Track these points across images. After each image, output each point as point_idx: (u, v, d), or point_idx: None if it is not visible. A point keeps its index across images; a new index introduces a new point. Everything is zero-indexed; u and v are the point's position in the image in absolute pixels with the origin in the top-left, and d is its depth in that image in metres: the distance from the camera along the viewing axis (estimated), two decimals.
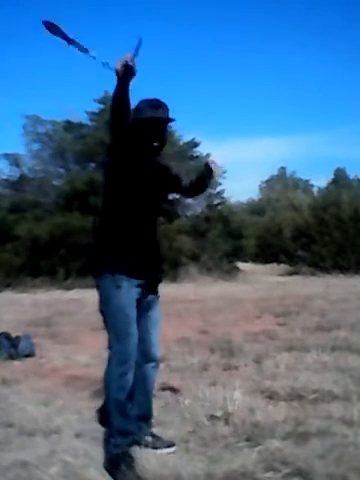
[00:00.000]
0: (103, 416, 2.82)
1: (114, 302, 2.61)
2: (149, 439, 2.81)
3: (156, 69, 67.32)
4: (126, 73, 2.31)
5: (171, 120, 2.77)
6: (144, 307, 2.73)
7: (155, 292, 2.80)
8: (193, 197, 3.19)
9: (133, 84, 2.38)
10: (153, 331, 2.78)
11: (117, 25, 76.17)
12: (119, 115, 2.45)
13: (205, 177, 2.90)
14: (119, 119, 2.46)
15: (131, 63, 2.29)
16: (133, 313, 2.64)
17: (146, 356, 2.76)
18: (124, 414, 2.61)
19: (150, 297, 2.76)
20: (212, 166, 2.82)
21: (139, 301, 2.69)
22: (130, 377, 2.61)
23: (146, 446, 2.76)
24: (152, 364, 2.80)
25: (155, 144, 2.69)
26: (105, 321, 2.69)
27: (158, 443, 2.80)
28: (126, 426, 2.62)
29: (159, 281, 2.83)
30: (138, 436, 2.77)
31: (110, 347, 2.65)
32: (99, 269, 2.68)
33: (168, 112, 2.75)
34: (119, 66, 2.30)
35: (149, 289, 2.74)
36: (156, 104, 2.72)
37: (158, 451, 2.73)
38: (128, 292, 2.61)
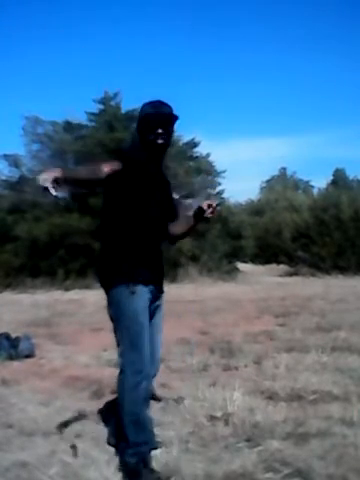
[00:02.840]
0: (116, 431, 2.69)
1: (129, 309, 2.56)
2: None
3: (156, 69, 67.55)
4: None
5: (171, 115, 2.68)
6: (151, 314, 2.69)
7: (160, 299, 2.77)
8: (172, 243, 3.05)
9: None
10: (157, 337, 2.75)
11: (117, 25, 76.34)
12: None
13: (196, 224, 2.76)
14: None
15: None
16: (146, 321, 2.59)
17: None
18: (139, 426, 2.55)
19: (156, 303, 2.73)
20: (207, 213, 2.63)
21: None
22: (145, 386, 2.55)
23: None
24: (153, 368, 2.72)
25: (150, 137, 2.59)
26: (116, 328, 2.62)
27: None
28: (141, 438, 2.55)
29: (162, 289, 2.79)
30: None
31: (122, 356, 2.58)
32: (112, 280, 2.62)
33: (170, 110, 2.68)
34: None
35: (156, 296, 2.71)
36: (156, 103, 2.68)
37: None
38: (142, 299, 2.58)
